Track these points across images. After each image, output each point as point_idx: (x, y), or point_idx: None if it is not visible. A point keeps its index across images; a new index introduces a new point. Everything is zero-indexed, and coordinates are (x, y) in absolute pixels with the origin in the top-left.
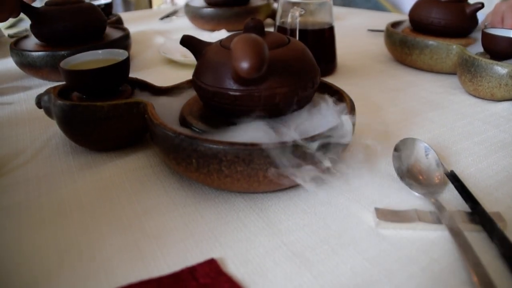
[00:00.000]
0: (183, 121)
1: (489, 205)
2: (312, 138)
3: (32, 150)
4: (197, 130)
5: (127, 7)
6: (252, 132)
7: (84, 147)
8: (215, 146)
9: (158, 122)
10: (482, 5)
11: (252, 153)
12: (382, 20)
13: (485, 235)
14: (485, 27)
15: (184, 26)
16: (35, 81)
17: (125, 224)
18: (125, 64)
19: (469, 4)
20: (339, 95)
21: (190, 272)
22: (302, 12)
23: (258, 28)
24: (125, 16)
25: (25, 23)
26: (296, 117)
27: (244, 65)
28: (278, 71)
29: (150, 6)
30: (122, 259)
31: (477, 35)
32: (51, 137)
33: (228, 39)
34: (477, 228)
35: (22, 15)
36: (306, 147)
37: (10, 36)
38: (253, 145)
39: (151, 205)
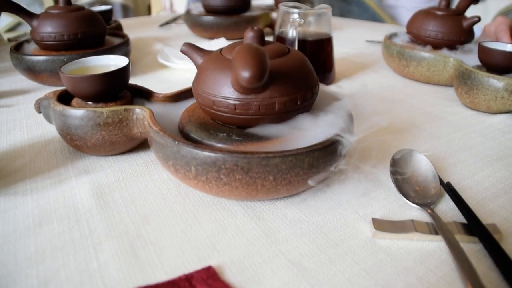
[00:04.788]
0: (183, 129)
1: (485, 217)
2: (312, 148)
3: (29, 154)
4: (196, 137)
5: (126, 13)
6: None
7: (82, 152)
8: (214, 153)
9: (158, 129)
10: (478, 19)
11: (251, 162)
12: (379, 31)
13: (481, 247)
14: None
15: (183, 33)
16: (33, 84)
17: (122, 230)
18: (126, 71)
19: (466, 18)
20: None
21: (187, 279)
22: (301, 22)
23: (259, 38)
24: (125, 23)
25: (24, 27)
26: (295, 124)
27: (246, 74)
28: (278, 81)
29: (149, 12)
30: (119, 265)
31: (474, 48)
32: (49, 142)
33: (229, 48)
34: (473, 239)
35: (21, 19)
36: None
37: (10, 39)
38: (252, 153)
39: (149, 211)
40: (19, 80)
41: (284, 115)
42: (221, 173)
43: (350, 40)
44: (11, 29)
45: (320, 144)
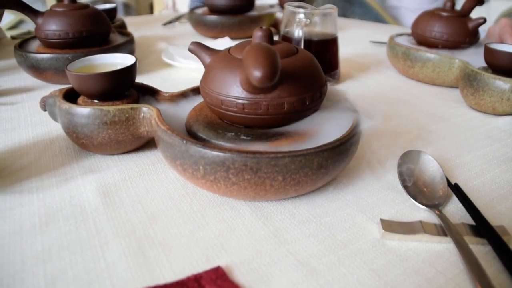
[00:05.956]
0: (190, 128)
1: (493, 218)
2: (322, 148)
3: (35, 152)
4: (204, 137)
5: (128, 11)
6: None
7: (88, 151)
8: (223, 153)
9: (166, 128)
10: (484, 20)
11: (260, 161)
12: (384, 32)
13: (490, 248)
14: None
15: (187, 32)
16: (38, 82)
17: (129, 230)
18: (133, 69)
19: (471, 19)
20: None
21: (196, 280)
22: (307, 22)
23: (268, 37)
24: (128, 21)
25: (26, 24)
26: (302, 125)
27: (257, 73)
28: (287, 81)
29: (151, 11)
30: (127, 265)
31: (479, 49)
32: (54, 140)
33: (237, 47)
34: (481, 241)
35: (23, 16)
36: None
37: (13, 37)
38: (261, 153)
39: (156, 211)
40: (23, 78)
41: (292, 115)
42: (229, 172)
43: (354, 41)
44: (13, 26)
45: (329, 144)
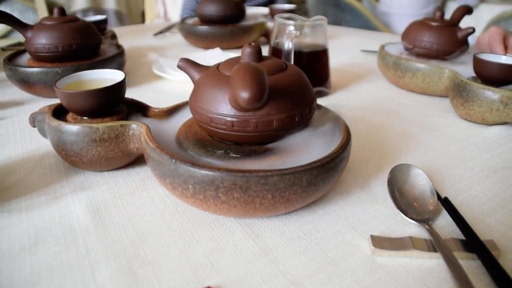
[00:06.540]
0: (180, 144)
1: (483, 232)
2: (310, 165)
3: (24, 169)
4: (193, 154)
5: (120, 19)
6: None
7: (77, 168)
8: (212, 172)
9: (154, 146)
10: (473, 30)
11: (249, 180)
12: (374, 40)
13: (480, 263)
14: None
15: (178, 42)
16: (27, 96)
17: (120, 250)
18: (122, 85)
19: (460, 29)
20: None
21: None
22: (297, 34)
23: (256, 54)
24: (119, 31)
25: (17, 34)
26: (292, 141)
27: (245, 95)
28: (276, 97)
29: (143, 19)
30: (117, 286)
31: (468, 58)
32: (44, 156)
33: (226, 64)
34: (471, 256)
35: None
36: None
37: (3, 48)
38: (250, 172)
39: (146, 229)
40: (13, 92)
41: (282, 131)
42: (219, 191)
43: (345, 49)
44: (4, 36)
45: (318, 162)
